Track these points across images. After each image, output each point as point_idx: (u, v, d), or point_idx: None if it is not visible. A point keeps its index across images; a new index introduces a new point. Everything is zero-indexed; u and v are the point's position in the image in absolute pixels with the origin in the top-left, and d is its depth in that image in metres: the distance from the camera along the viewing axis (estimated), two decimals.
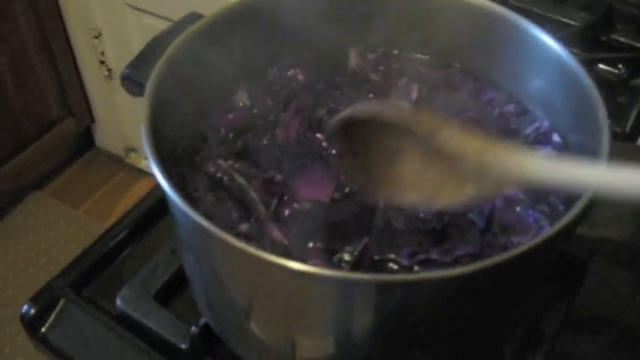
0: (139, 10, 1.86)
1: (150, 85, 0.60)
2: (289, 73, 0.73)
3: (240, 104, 0.71)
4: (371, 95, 0.72)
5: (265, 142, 0.67)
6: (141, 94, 0.63)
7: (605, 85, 0.99)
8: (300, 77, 0.73)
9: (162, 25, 1.78)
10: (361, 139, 0.56)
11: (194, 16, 0.70)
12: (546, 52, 0.67)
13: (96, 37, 2.00)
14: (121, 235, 0.81)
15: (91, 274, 0.78)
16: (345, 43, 0.75)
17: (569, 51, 0.65)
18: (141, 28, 1.90)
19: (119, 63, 2.04)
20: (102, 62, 2.05)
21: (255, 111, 0.70)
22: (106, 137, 2.29)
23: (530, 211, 0.60)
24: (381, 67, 0.74)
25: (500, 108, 0.71)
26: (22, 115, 2.03)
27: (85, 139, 2.30)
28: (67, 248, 2.03)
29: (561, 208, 0.61)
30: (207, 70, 0.68)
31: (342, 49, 0.75)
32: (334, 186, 0.63)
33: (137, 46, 1.92)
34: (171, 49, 0.64)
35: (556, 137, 0.67)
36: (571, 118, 0.66)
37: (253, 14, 0.71)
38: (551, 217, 0.61)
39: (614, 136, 0.82)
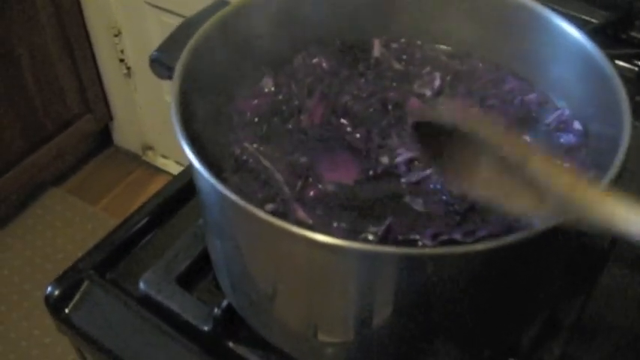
0: (159, 8, 1.88)
1: (179, 67, 0.62)
2: (314, 61, 0.74)
3: (266, 90, 0.72)
4: (394, 84, 0.72)
5: (290, 126, 0.68)
6: (169, 77, 0.64)
7: (624, 83, 1.00)
8: (325, 65, 0.74)
9: None
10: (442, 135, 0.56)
11: (222, 3, 0.71)
12: (568, 42, 0.68)
13: (115, 35, 2.02)
14: (145, 220, 0.82)
15: (115, 257, 0.79)
16: (369, 33, 0.76)
17: (592, 40, 0.66)
18: (161, 27, 1.91)
19: (138, 61, 2.06)
20: (121, 60, 2.07)
21: (280, 97, 0.71)
22: (124, 135, 2.31)
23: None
24: (404, 57, 0.75)
25: (521, 97, 0.72)
26: (41, 111, 2.05)
27: (103, 137, 2.32)
28: (84, 244, 2.03)
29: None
30: (234, 56, 0.70)
31: (366, 39, 0.76)
32: (359, 170, 0.64)
33: (157, 44, 1.94)
34: (199, 34, 0.65)
35: (577, 125, 0.68)
36: (592, 107, 0.67)
37: (279, 2, 0.72)
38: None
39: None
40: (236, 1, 0.69)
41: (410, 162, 0.64)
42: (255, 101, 0.71)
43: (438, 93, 0.72)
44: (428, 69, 0.74)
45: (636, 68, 1.01)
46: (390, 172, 0.64)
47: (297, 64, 0.74)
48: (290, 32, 0.74)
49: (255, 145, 0.66)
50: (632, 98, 0.95)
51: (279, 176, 0.63)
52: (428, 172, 0.63)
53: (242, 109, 0.70)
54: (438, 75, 0.73)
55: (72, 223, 2.15)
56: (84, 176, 2.29)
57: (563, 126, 0.68)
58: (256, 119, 0.69)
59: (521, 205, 0.53)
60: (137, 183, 2.27)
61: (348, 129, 0.68)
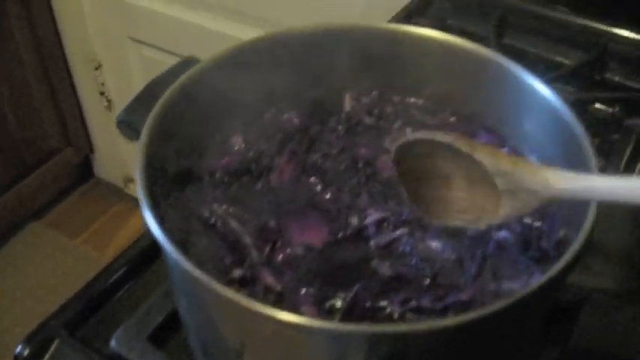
0: (140, 42, 1.88)
1: (145, 132, 0.61)
2: (285, 117, 0.73)
3: (236, 148, 0.71)
4: (365, 140, 0.72)
5: (260, 186, 0.68)
6: (137, 139, 0.64)
7: (599, 124, 1.00)
8: (296, 121, 0.73)
9: (163, 58, 1.83)
10: (417, 166, 0.63)
11: (191, 60, 0.71)
12: (538, 99, 0.68)
13: (96, 68, 2.02)
14: (117, 275, 0.81)
15: (86, 314, 0.78)
16: (341, 87, 0.76)
17: (561, 97, 0.66)
18: (142, 60, 1.92)
19: (119, 94, 2.06)
20: (102, 93, 2.07)
21: (250, 155, 0.71)
22: (105, 168, 2.30)
23: (522, 257, 0.61)
24: (375, 111, 0.74)
25: None
26: (21, 144, 2.04)
27: (84, 170, 2.31)
28: (65, 279, 2.04)
29: (552, 253, 0.62)
30: (202, 116, 0.69)
31: (337, 93, 0.76)
32: (329, 231, 0.63)
33: (138, 77, 1.95)
34: (163, 99, 0.65)
35: None
36: (563, 162, 0.67)
37: (250, 58, 0.72)
38: (542, 264, 0.61)
39: None
40: (200, 64, 0.68)
41: (380, 223, 0.64)
42: (225, 160, 0.70)
43: None
44: (399, 123, 0.74)
45: (610, 109, 1.02)
46: (360, 234, 0.63)
47: (268, 120, 0.73)
48: (259, 88, 0.73)
49: (224, 207, 0.65)
50: (607, 139, 0.97)
51: (247, 239, 0.63)
52: (398, 233, 0.63)
53: (212, 169, 0.69)
54: (408, 130, 0.72)
55: (52, 258, 2.13)
56: (65, 209, 2.28)
57: None
58: (226, 179, 0.68)
59: (489, 217, 0.60)
60: (118, 216, 2.25)
61: (318, 188, 0.67)
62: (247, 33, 1.61)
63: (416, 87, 0.77)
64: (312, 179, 0.68)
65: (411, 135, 0.65)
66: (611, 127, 0.99)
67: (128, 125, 0.67)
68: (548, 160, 0.69)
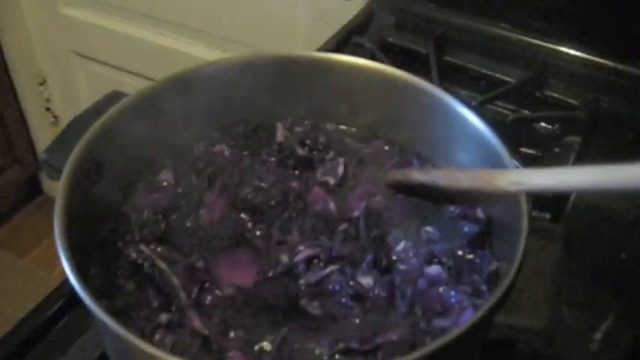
0: (85, 57, 1.85)
1: (64, 174, 0.59)
2: (215, 149, 0.72)
3: (165, 183, 0.70)
4: (297, 172, 0.71)
5: (189, 223, 0.66)
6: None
7: (541, 139, 1.00)
8: (227, 153, 0.72)
9: (108, 73, 1.80)
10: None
11: (116, 95, 0.69)
12: (469, 128, 0.67)
13: (41, 84, 1.98)
14: (51, 311, 0.78)
15: (20, 352, 0.75)
16: (273, 116, 0.75)
17: (492, 129, 0.66)
18: (87, 75, 1.89)
19: (65, 109, 2.02)
20: (47, 109, 2.03)
21: (179, 190, 0.69)
22: (55, 184, 2.26)
23: (453, 292, 0.60)
24: (308, 141, 0.73)
25: None
26: None
27: (32, 187, 2.27)
28: (14, 299, 1.99)
29: (484, 288, 0.61)
30: (130, 150, 0.68)
31: (270, 123, 0.75)
32: (258, 270, 0.62)
33: (84, 92, 1.92)
34: (87, 135, 0.63)
35: (480, 213, 0.67)
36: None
37: (178, 91, 0.70)
38: (474, 298, 0.60)
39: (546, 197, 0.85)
40: (123, 101, 0.66)
41: (309, 260, 0.62)
42: (155, 195, 0.69)
43: (342, 180, 0.70)
44: (332, 154, 0.73)
45: (550, 126, 1.02)
46: (290, 272, 0.62)
47: (198, 152, 0.72)
48: (190, 120, 0.72)
49: (151, 247, 0.64)
50: (548, 156, 0.97)
51: (175, 280, 0.61)
52: (327, 270, 0.62)
53: (140, 206, 0.67)
54: (341, 161, 0.71)
55: (2, 277, 2.08)
56: (13, 227, 2.24)
57: (467, 214, 0.68)
58: (154, 216, 0.67)
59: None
60: None
61: (249, 224, 0.66)
62: (192, 47, 1.61)
63: (349, 115, 0.76)
64: (243, 215, 0.67)
65: (389, 176, 0.70)
66: (552, 142, 1.00)
67: (51, 166, 0.65)
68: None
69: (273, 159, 0.72)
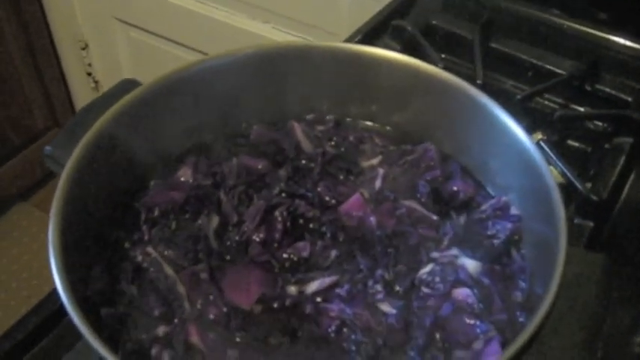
0: (127, 23, 1.82)
1: (66, 171, 0.56)
2: (235, 149, 0.68)
3: (182, 179, 0.66)
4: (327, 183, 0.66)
5: (200, 222, 0.62)
6: None
7: (591, 135, 0.94)
8: (260, 166, 0.67)
9: (149, 40, 1.77)
10: None
11: (128, 84, 0.65)
12: (511, 140, 0.62)
13: (83, 49, 1.96)
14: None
15: None
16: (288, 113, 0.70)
17: (536, 145, 0.60)
18: (129, 41, 1.86)
19: (106, 75, 2.00)
20: (89, 74, 2.01)
21: (195, 188, 0.65)
22: None
23: (479, 322, 0.55)
24: (342, 148, 0.69)
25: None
26: (7, 125, 1.99)
27: None
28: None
29: (521, 320, 0.56)
30: (142, 145, 0.64)
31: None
32: (262, 292, 0.57)
33: (125, 58, 1.89)
34: (97, 126, 0.59)
35: (514, 210, 0.62)
36: (530, 205, 0.61)
37: (190, 84, 0.66)
38: (505, 329, 0.55)
39: (591, 203, 0.78)
40: (135, 91, 0.62)
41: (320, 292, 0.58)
42: (169, 193, 0.64)
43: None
44: (371, 161, 0.68)
45: (601, 124, 0.95)
46: (294, 303, 0.57)
47: (217, 151, 0.68)
48: (208, 114, 0.68)
49: (159, 249, 0.60)
50: (596, 156, 0.91)
51: (181, 289, 0.57)
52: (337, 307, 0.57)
53: (151, 204, 0.63)
54: (380, 173, 0.66)
55: (38, 239, 2.09)
56: (51, 190, 2.22)
57: (500, 213, 0.63)
58: (165, 215, 0.63)
59: None
60: None
61: (258, 237, 0.61)
62: (233, 17, 1.57)
63: (379, 113, 0.71)
64: (261, 229, 0.62)
65: None
66: (602, 139, 0.93)
67: (55, 161, 0.61)
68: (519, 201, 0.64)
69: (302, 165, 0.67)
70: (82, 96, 2.10)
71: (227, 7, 1.59)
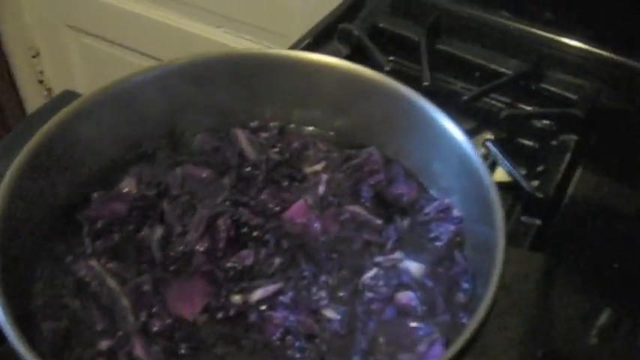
0: (79, 30, 1.80)
1: (3, 187, 0.55)
2: (179, 158, 0.67)
3: (126, 190, 0.65)
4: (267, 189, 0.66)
5: (143, 234, 0.62)
6: None
7: (537, 133, 0.95)
8: (204, 175, 0.67)
9: (102, 46, 1.75)
10: None
11: (69, 95, 0.64)
12: (451, 143, 0.62)
13: (34, 57, 1.94)
14: None
15: None
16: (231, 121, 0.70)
17: (474, 146, 0.61)
18: (81, 48, 1.84)
19: (59, 83, 1.98)
20: (41, 82, 1.99)
21: (139, 199, 0.65)
22: None
23: (422, 324, 0.55)
24: (286, 154, 0.69)
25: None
26: None
27: None
28: None
29: (464, 321, 0.56)
30: (82, 158, 0.63)
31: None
32: (206, 303, 0.57)
33: (77, 65, 1.87)
34: (34, 140, 0.59)
35: (456, 212, 0.63)
36: (471, 207, 0.62)
37: (134, 93, 0.66)
38: (448, 331, 0.55)
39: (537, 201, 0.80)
40: (74, 103, 0.61)
41: (261, 302, 0.58)
42: (111, 204, 0.64)
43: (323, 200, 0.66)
44: (315, 167, 0.68)
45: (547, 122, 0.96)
46: (238, 312, 0.57)
47: (160, 159, 0.67)
48: (152, 122, 0.67)
49: (102, 261, 0.59)
50: (542, 154, 0.92)
51: (125, 301, 0.57)
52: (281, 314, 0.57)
53: (94, 216, 0.63)
54: (324, 179, 0.66)
55: None
56: None
57: (443, 215, 0.63)
58: (108, 227, 0.62)
59: None
60: None
61: (202, 247, 0.61)
62: (186, 23, 1.56)
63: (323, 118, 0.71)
64: (204, 239, 0.62)
65: None
66: (549, 136, 0.94)
67: None
68: (459, 202, 0.64)
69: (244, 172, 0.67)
70: (34, 104, 2.07)
71: (179, 13, 1.58)
